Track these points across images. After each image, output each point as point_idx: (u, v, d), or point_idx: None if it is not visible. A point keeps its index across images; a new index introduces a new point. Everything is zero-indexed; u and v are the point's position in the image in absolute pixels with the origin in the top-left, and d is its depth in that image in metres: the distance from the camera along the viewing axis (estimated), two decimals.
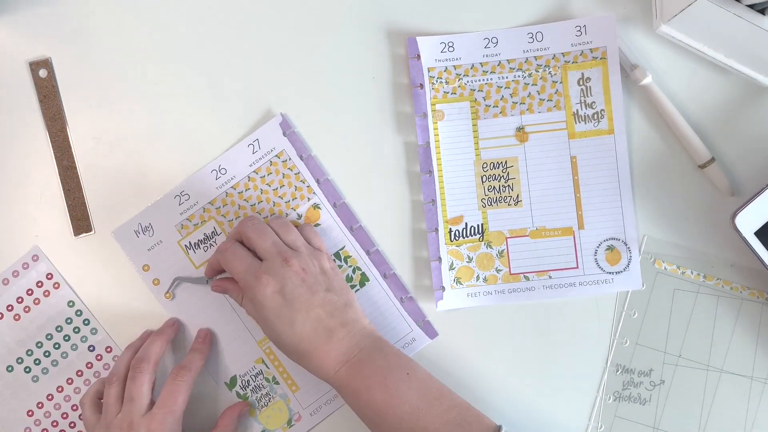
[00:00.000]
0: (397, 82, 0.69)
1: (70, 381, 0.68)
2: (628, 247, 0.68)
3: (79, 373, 0.68)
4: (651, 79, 0.67)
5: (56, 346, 0.68)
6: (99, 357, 0.68)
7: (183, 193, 0.68)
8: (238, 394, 0.68)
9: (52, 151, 0.69)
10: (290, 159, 0.68)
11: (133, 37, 0.69)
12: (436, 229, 0.68)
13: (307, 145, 0.69)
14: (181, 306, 0.68)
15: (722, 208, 0.68)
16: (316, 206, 0.69)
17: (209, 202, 0.68)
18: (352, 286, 0.68)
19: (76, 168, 0.69)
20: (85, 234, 0.69)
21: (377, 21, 0.69)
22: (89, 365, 0.68)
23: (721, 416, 0.67)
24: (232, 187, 0.68)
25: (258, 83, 0.69)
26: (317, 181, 0.68)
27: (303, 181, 0.69)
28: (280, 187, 0.69)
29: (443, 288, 0.68)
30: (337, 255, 0.68)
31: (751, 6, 0.61)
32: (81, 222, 0.69)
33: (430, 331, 0.68)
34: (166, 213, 0.68)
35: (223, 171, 0.68)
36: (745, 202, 0.65)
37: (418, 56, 0.69)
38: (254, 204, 0.68)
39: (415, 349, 0.68)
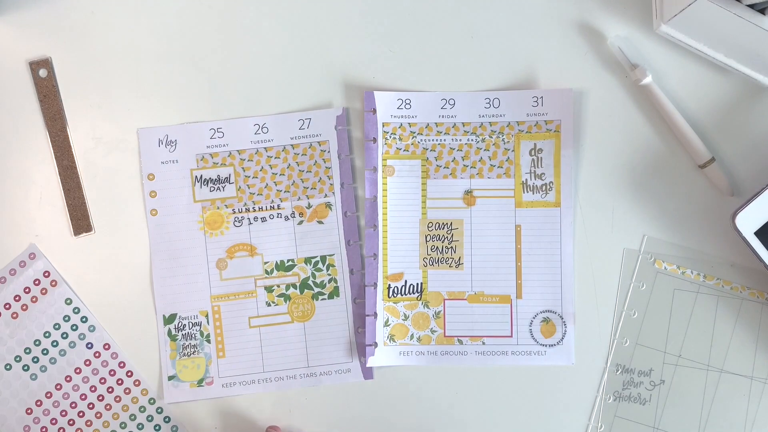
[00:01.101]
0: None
1: (68, 378, 0.68)
2: (564, 321, 0.68)
3: (78, 371, 0.68)
4: (651, 79, 0.67)
5: (54, 343, 0.68)
6: (97, 354, 0.68)
7: (219, 129, 0.69)
8: (169, 332, 0.68)
9: (52, 151, 0.69)
10: (329, 152, 0.69)
11: (133, 36, 0.69)
12: (375, 284, 0.68)
13: (351, 147, 0.69)
14: (161, 225, 0.68)
15: (722, 208, 0.68)
16: (328, 205, 0.69)
17: (238, 150, 0.69)
18: (321, 294, 0.68)
19: (76, 168, 0.69)
20: (85, 234, 0.69)
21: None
22: (87, 362, 0.68)
23: (721, 416, 0.67)
24: (265, 148, 0.69)
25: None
26: (341, 184, 0.69)
27: (329, 177, 0.69)
28: (307, 171, 0.69)
29: (375, 344, 0.68)
30: (323, 258, 0.69)
31: (751, 6, 0.61)
32: (81, 222, 0.69)
33: (367, 372, 0.68)
34: (194, 138, 0.69)
35: (265, 130, 0.69)
36: (745, 202, 0.65)
37: (374, 110, 0.69)
38: (276, 173, 0.69)
39: (346, 380, 0.68)
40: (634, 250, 0.69)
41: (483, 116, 0.69)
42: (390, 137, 0.69)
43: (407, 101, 0.69)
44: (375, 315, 0.68)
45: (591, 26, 0.69)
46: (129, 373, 0.68)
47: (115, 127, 0.69)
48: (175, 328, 0.68)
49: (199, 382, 0.68)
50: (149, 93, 0.69)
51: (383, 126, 0.69)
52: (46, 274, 0.68)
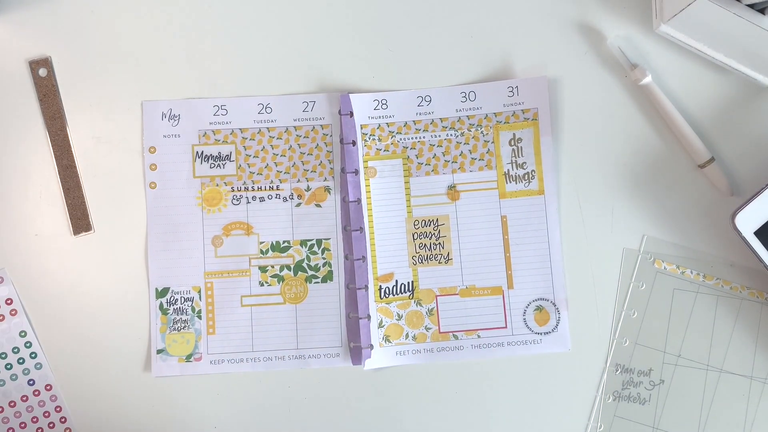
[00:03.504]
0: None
1: (0, 409, 0.67)
2: (557, 308, 0.68)
3: (12, 404, 0.67)
4: (651, 79, 0.67)
5: None
6: (36, 392, 0.67)
7: (223, 107, 0.69)
8: (160, 305, 0.68)
9: (52, 151, 0.69)
10: (331, 137, 0.69)
11: (133, 36, 0.69)
12: (366, 287, 0.68)
13: (358, 134, 0.69)
14: (159, 198, 0.69)
15: (722, 208, 0.68)
16: (327, 189, 0.69)
17: (241, 129, 0.69)
18: (315, 277, 0.69)
19: (76, 168, 0.69)
20: (84, 233, 0.69)
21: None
22: (24, 398, 0.67)
23: (720, 416, 0.67)
24: (268, 128, 0.69)
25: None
26: (342, 170, 0.69)
27: (330, 162, 0.69)
28: (309, 154, 0.69)
29: (371, 346, 0.68)
30: (318, 242, 0.69)
31: (751, 6, 0.61)
32: (81, 221, 0.69)
33: (356, 358, 0.68)
34: (198, 114, 0.69)
35: (269, 110, 0.69)
36: (745, 202, 0.65)
37: (351, 113, 0.69)
38: (276, 154, 0.69)
39: (334, 364, 0.68)
40: (633, 250, 0.69)
41: (460, 110, 0.69)
42: (369, 139, 0.69)
43: (383, 101, 0.69)
44: (368, 317, 0.68)
45: (591, 26, 0.69)
46: (63, 419, 0.68)
47: (115, 126, 0.69)
48: (167, 302, 0.68)
49: (188, 358, 0.68)
50: (149, 92, 0.69)
51: (361, 128, 0.69)
52: (9, 302, 0.67)
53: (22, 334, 0.68)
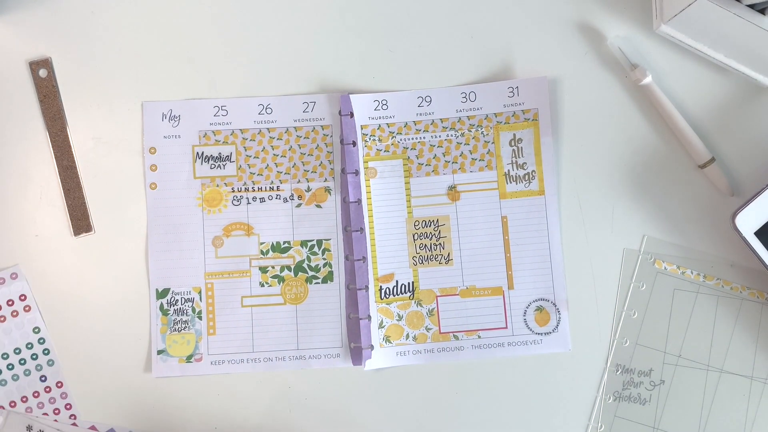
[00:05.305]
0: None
1: (12, 404, 0.67)
2: (557, 308, 0.68)
3: (24, 399, 0.68)
4: (651, 79, 0.67)
5: (10, 366, 0.67)
6: (48, 389, 0.67)
7: (223, 107, 0.69)
8: (161, 306, 0.68)
9: (52, 151, 0.69)
10: (332, 137, 0.69)
11: (133, 36, 0.69)
12: (366, 287, 0.68)
13: (359, 134, 0.69)
14: (159, 199, 0.69)
15: (722, 208, 0.68)
16: (327, 189, 0.69)
17: (241, 129, 0.69)
18: (315, 278, 0.69)
19: (76, 168, 0.69)
20: (84, 234, 0.69)
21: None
22: (36, 394, 0.68)
23: (721, 416, 0.67)
24: (268, 128, 0.69)
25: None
26: (342, 170, 0.69)
27: (330, 162, 0.69)
28: (309, 155, 0.69)
29: (372, 347, 0.68)
30: (318, 242, 0.69)
31: (751, 6, 0.61)
32: (81, 222, 0.69)
33: (357, 358, 0.68)
34: (198, 115, 0.69)
35: (269, 110, 0.69)
36: (745, 202, 0.65)
37: (351, 114, 0.69)
38: (277, 154, 0.69)
39: (335, 365, 0.68)
40: (634, 250, 0.69)
41: (460, 111, 0.69)
42: (369, 139, 0.69)
43: (384, 102, 0.69)
44: (369, 318, 0.68)
45: (591, 26, 0.69)
46: (72, 416, 0.68)
47: (115, 127, 0.69)
48: (168, 303, 0.68)
49: (188, 358, 0.68)
50: (149, 92, 0.69)
51: (362, 129, 0.69)
52: (22, 298, 0.68)
53: (36, 330, 0.68)
